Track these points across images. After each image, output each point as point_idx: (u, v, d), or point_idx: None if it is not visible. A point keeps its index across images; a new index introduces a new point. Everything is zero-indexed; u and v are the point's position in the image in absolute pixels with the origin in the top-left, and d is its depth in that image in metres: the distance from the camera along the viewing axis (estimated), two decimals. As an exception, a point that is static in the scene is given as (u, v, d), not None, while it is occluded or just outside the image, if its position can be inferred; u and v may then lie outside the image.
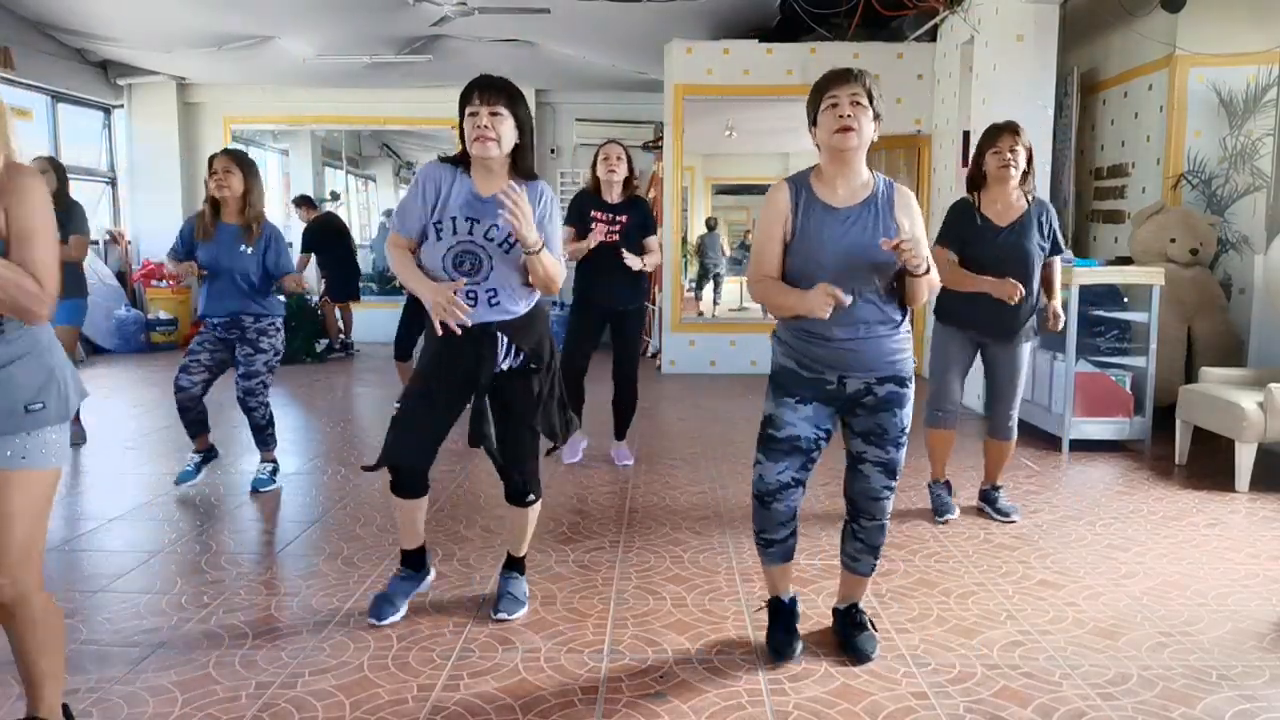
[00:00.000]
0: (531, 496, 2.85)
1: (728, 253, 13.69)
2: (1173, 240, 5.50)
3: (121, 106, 9.81)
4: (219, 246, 3.98)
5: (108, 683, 2.40)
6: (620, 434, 4.85)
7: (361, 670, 2.49)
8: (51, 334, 1.95)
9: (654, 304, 9.13)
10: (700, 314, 10.67)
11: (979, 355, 3.87)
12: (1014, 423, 3.84)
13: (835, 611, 2.72)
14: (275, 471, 4.34)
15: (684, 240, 9.92)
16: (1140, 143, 6.18)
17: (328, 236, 8.76)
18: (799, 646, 2.60)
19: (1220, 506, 4.06)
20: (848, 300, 2.27)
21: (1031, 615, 2.87)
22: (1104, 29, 6.48)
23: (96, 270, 9.28)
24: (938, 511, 3.85)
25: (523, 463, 2.80)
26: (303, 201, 9.10)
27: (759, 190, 14.85)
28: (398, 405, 2.63)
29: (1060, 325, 3.86)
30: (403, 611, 2.82)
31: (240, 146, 3.68)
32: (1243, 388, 4.52)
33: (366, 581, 3.11)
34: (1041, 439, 5.27)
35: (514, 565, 2.97)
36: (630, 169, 4.51)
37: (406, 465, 2.74)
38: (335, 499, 4.12)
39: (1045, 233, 3.70)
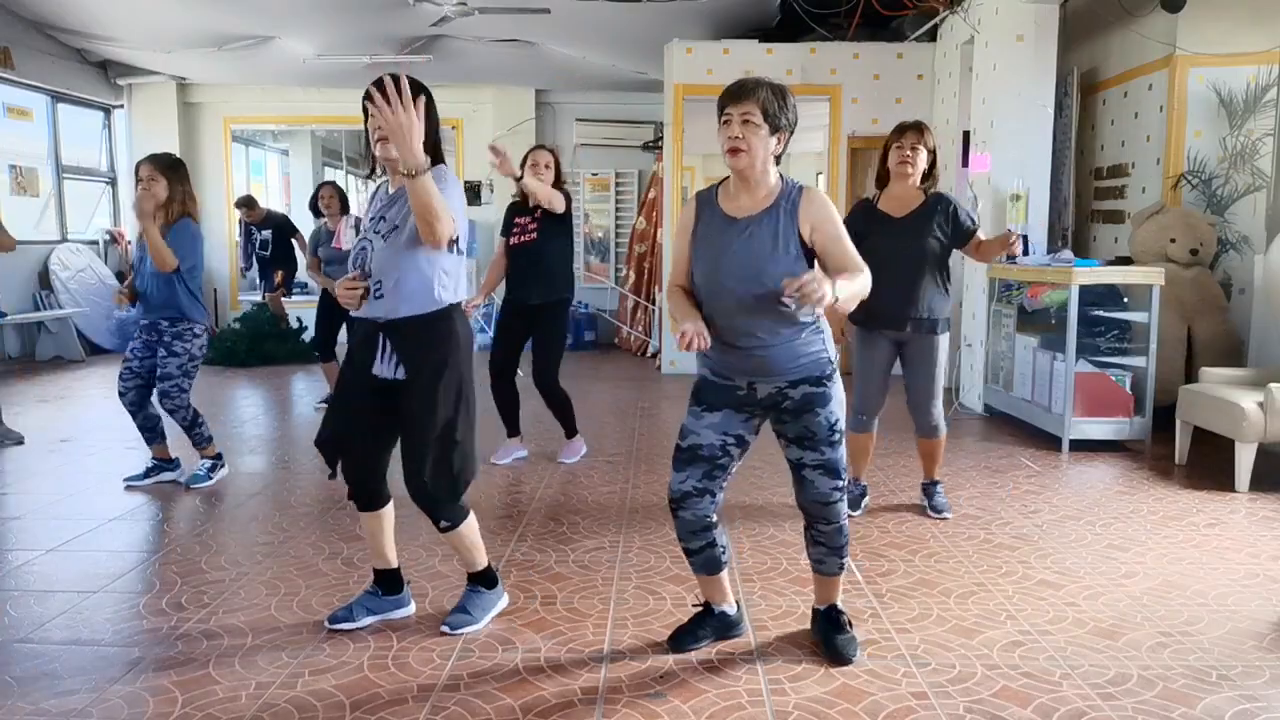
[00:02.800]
0: (445, 523, 2.65)
1: None
2: (1173, 240, 5.50)
3: (121, 106, 9.81)
4: (143, 249, 4.06)
5: (108, 683, 2.40)
6: (570, 432, 4.86)
7: (361, 670, 2.49)
8: None
9: (654, 304, 9.13)
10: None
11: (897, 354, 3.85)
12: (940, 420, 3.84)
13: (814, 612, 2.70)
14: (215, 468, 4.37)
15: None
16: (1140, 143, 6.18)
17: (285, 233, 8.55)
18: (691, 648, 2.61)
19: (1220, 506, 4.06)
20: (704, 344, 2.24)
21: (1031, 615, 2.87)
22: (1104, 29, 6.48)
23: (96, 270, 9.28)
24: (852, 505, 3.82)
25: (423, 489, 2.58)
26: (243, 203, 8.62)
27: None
28: (318, 407, 2.64)
29: (1018, 247, 3.92)
30: (361, 623, 2.73)
31: (167, 151, 3.65)
32: (1243, 388, 4.52)
33: (366, 581, 3.10)
34: (1041, 439, 5.27)
35: (474, 579, 2.82)
36: (558, 174, 4.59)
37: (351, 479, 2.69)
38: (335, 499, 4.11)
39: (945, 223, 3.66)
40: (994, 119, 6.17)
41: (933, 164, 3.71)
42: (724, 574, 2.63)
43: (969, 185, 6.54)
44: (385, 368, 2.58)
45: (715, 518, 2.53)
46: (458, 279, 2.62)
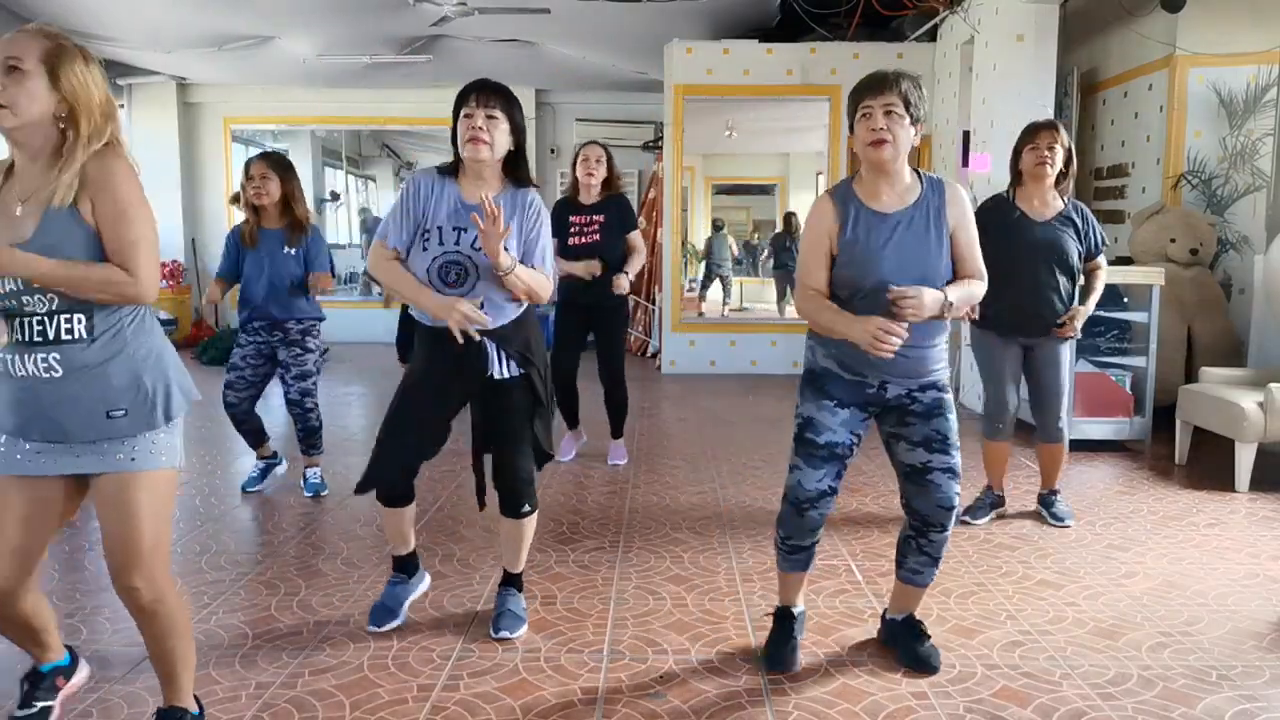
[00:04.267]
0: (527, 507, 2.71)
1: (735, 252, 13.46)
2: (1173, 240, 5.50)
3: (122, 106, 9.80)
4: (262, 251, 3.95)
5: (108, 683, 2.40)
6: (617, 432, 4.83)
7: (361, 670, 2.49)
8: (154, 339, 1.93)
9: (654, 303, 9.13)
10: (701, 314, 10.62)
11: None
12: (1065, 423, 3.80)
13: (892, 622, 2.62)
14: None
15: (684, 241, 9.91)
16: (1140, 143, 6.18)
17: None
18: (799, 659, 2.53)
19: (1220, 506, 4.06)
20: (903, 334, 2.16)
21: (1031, 615, 2.87)
22: (1104, 29, 6.48)
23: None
24: (979, 512, 3.79)
25: (519, 472, 2.67)
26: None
27: (759, 190, 14.79)
28: None
29: (1070, 333, 3.67)
30: (402, 618, 2.77)
31: (276, 148, 3.65)
32: (1243, 388, 4.52)
33: (366, 581, 3.11)
34: (1041, 439, 5.27)
35: (512, 581, 2.84)
36: (611, 169, 4.47)
37: (388, 481, 2.69)
38: (336, 499, 4.12)
39: (1082, 233, 3.66)
40: (994, 119, 6.17)
41: (1068, 162, 3.62)
42: None
43: (969, 185, 6.53)
44: (502, 369, 2.61)
45: None
46: None
